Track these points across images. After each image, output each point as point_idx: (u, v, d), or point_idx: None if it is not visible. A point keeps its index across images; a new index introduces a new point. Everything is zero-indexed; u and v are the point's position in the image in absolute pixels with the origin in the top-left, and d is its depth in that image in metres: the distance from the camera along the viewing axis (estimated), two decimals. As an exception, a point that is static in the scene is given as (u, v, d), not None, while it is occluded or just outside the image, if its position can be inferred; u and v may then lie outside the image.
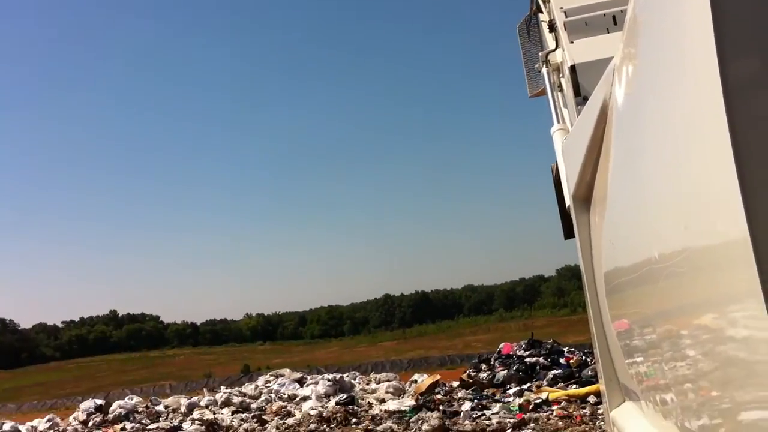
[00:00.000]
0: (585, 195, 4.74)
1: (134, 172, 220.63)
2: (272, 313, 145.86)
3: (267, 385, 23.53)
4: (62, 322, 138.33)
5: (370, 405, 19.08)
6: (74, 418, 20.56)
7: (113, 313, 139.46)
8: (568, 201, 5.28)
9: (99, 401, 21.78)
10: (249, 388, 23.63)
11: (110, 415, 20.11)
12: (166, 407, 21.82)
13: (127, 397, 23.57)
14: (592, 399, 15.15)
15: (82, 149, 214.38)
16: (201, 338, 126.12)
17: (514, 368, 20.14)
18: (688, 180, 2.02)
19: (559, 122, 5.79)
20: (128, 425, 19.06)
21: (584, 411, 14.42)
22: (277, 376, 24.53)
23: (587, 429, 12.41)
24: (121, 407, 20.66)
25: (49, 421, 20.00)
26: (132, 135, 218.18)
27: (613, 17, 5.78)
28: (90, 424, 19.59)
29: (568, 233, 5.75)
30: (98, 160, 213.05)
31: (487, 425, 14.20)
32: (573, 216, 5.03)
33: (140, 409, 21.14)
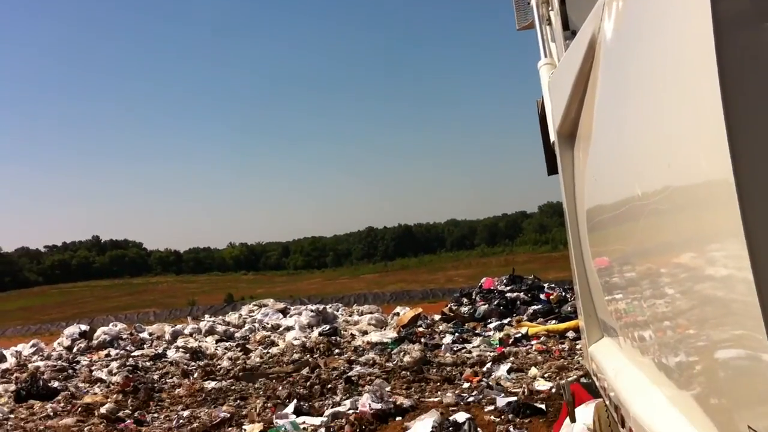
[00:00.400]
0: (570, 131, 4.72)
1: (119, 100, 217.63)
2: (255, 243, 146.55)
3: (250, 314, 23.75)
4: (45, 247, 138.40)
5: (353, 336, 19.34)
6: (59, 343, 20.70)
7: (96, 238, 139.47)
8: (552, 137, 5.25)
9: (83, 327, 21.87)
10: (233, 318, 23.85)
11: (95, 341, 20.25)
12: (150, 334, 22.01)
13: (111, 324, 23.75)
14: (570, 334, 15.43)
15: (65, 77, 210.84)
16: (184, 266, 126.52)
17: (495, 303, 20.40)
18: (674, 118, 2.00)
19: (546, 56, 5.69)
20: (113, 351, 19.24)
21: (563, 346, 14.70)
22: (260, 306, 24.74)
23: (565, 363, 12.67)
24: (105, 333, 20.81)
25: (33, 346, 20.11)
26: (116, 63, 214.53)
27: None
28: (75, 349, 19.75)
29: (552, 169, 5.74)
30: (81, 86, 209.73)
31: (468, 358, 14.45)
32: (557, 152, 5.02)
33: (125, 336, 21.29)
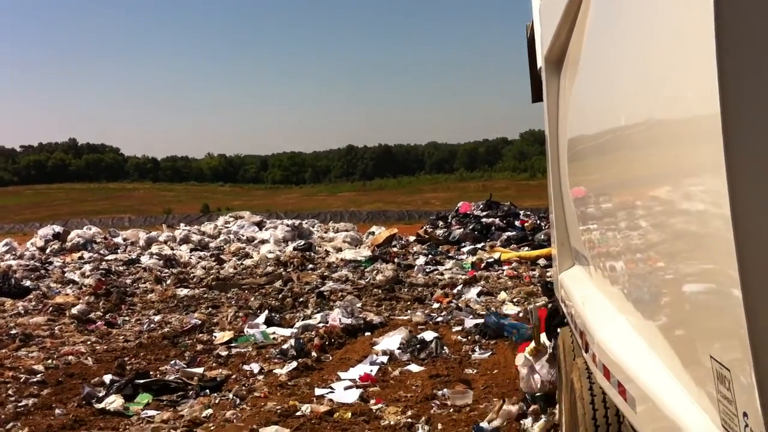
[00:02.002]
0: (558, 58, 4.66)
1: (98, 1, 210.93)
2: (234, 155, 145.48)
3: (226, 225, 23.80)
4: (21, 147, 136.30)
5: (327, 253, 19.49)
6: (32, 243, 20.65)
7: (72, 141, 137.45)
8: (540, 63, 5.19)
9: (57, 229, 21.80)
10: (208, 228, 23.90)
11: (68, 244, 20.23)
12: (124, 239, 22.03)
13: (86, 227, 23.68)
14: (542, 262, 15.67)
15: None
16: (161, 174, 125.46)
17: (470, 227, 20.59)
18: (664, 49, 1.96)
19: None
20: (86, 254, 19.25)
21: (533, 273, 14.93)
22: (236, 218, 24.78)
23: (535, 290, 12.88)
24: (79, 236, 20.78)
25: (6, 245, 20.04)
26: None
27: None
28: (48, 251, 19.72)
29: (537, 96, 5.70)
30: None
31: (439, 280, 14.65)
32: (543, 79, 4.97)
33: (98, 240, 21.29)
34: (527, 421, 6.03)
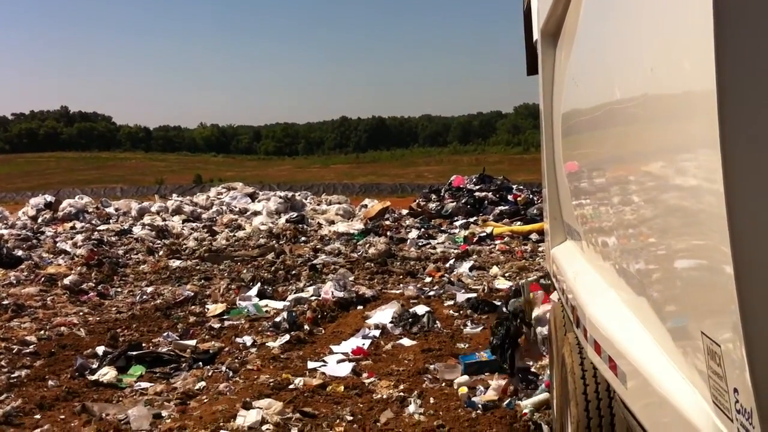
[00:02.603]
0: (554, 30, 4.63)
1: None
2: (227, 125, 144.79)
3: (219, 197, 23.71)
4: (12, 114, 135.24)
5: (320, 225, 19.48)
6: (23, 212, 20.56)
7: (64, 109, 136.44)
8: (536, 35, 5.15)
9: (49, 198, 21.70)
10: (200, 199, 23.81)
11: (60, 213, 20.14)
12: (116, 210, 21.94)
13: (78, 197, 23.58)
14: (534, 236, 15.68)
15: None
16: (153, 143, 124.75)
17: (463, 201, 20.57)
18: (661, 23, 1.94)
19: None
20: (78, 224, 19.18)
21: (525, 247, 14.95)
22: (229, 189, 24.68)
23: (526, 264, 12.92)
24: (71, 206, 20.68)
25: (-3, 213, 19.96)
26: None
27: None
28: (39, 220, 19.64)
29: (532, 69, 5.67)
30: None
31: (432, 254, 14.67)
32: (539, 51, 4.94)
33: (90, 210, 21.20)
34: (520, 396, 6.08)
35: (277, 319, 9.00)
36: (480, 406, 5.99)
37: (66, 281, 11.53)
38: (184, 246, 16.26)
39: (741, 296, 1.45)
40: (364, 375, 7.05)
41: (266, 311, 9.87)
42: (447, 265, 13.25)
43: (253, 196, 23.42)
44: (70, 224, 19.15)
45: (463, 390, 6.32)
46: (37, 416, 6.14)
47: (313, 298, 10.41)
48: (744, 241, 1.44)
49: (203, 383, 6.87)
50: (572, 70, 3.85)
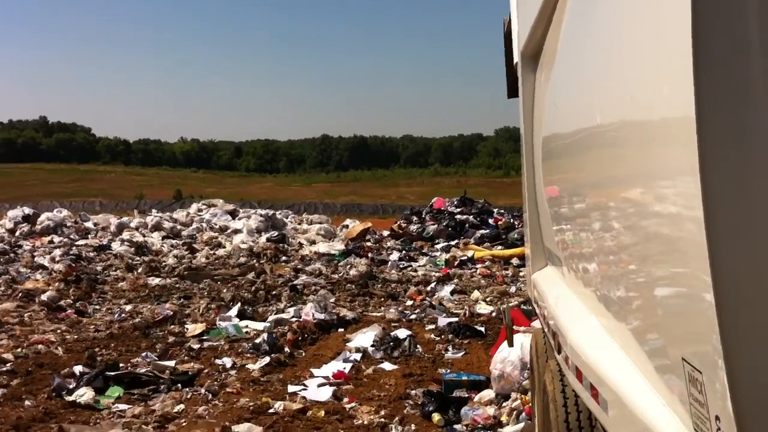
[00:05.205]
0: (534, 53, 4.66)
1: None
2: (207, 140, 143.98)
3: (199, 213, 23.57)
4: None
5: (301, 245, 19.43)
6: (1, 225, 20.32)
7: (43, 119, 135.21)
8: (516, 58, 5.18)
9: (27, 211, 21.43)
10: (180, 215, 23.65)
11: (38, 227, 19.90)
12: (95, 224, 21.73)
13: (56, 210, 23.30)
14: (515, 261, 15.74)
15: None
16: (133, 157, 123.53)
17: (444, 224, 20.62)
18: (641, 49, 1.97)
19: None
20: (56, 239, 18.96)
21: (506, 272, 15.00)
22: (209, 206, 24.56)
23: (507, 289, 12.96)
24: (49, 219, 20.44)
25: (-26, 226, 19.69)
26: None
27: None
28: (17, 233, 19.40)
29: (512, 92, 5.71)
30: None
31: (413, 276, 14.67)
32: (519, 74, 4.97)
33: (69, 224, 20.97)
34: (503, 420, 6.09)
35: (258, 341, 8.95)
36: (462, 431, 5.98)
37: (44, 297, 11.41)
38: (163, 263, 16.14)
39: (722, 323, 1.45)
40: (345, 400, 7.02)
41: (246, 332, 9.80)
42: (428, 288, 13.26)
43: (233, 214, 23.32)
44: (49, 238, 18.93)
45: (437, 418, 6.31)
46: (14, 437, 6.06)
47: (294, 319, 10.37)
48: (724, 268, 1.45)
49: (182, 406, 6.80)
50: (552, 93, 3.86)
